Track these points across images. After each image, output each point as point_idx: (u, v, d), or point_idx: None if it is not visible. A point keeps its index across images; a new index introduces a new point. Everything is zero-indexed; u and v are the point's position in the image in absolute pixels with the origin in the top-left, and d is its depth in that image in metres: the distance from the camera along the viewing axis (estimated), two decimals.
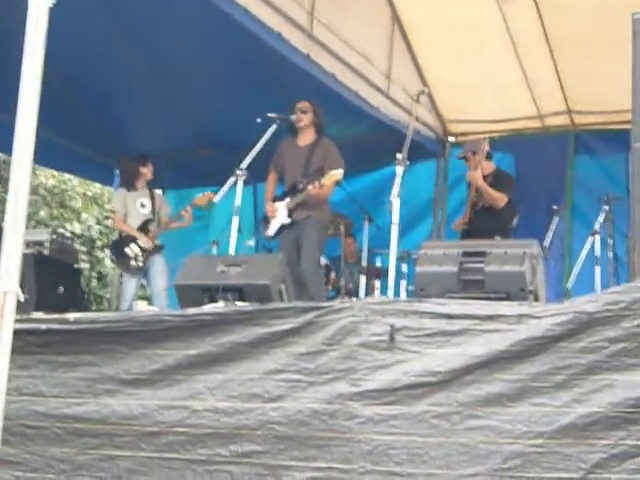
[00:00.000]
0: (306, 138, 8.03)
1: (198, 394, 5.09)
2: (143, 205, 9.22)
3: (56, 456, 5.31)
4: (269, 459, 4.87)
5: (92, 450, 5.25)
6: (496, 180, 8.43)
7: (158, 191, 9.77)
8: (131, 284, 9.12)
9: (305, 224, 7.75)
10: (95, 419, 5.26)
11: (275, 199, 8.02)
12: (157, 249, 9.10)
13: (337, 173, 7.59)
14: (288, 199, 7.85)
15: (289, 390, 4.92)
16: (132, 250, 9.00)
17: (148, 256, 9.04)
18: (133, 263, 9.01)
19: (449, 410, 4.59)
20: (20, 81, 4.48)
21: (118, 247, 9.19)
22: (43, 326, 5.45)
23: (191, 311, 5.40)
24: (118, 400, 5.25)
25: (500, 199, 8.31)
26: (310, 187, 7.62)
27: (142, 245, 8.99)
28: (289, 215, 7.83)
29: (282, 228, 7.87)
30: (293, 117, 7.93)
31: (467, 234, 8.28)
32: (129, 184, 9.39)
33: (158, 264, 9.08)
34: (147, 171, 9.35)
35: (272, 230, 7.91)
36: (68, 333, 5.41)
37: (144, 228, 9.13)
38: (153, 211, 9.24)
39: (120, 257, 9.15)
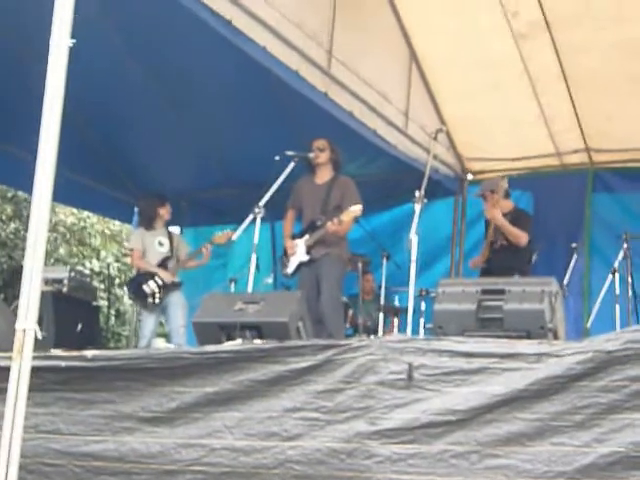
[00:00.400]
0: (324, 175, 8.05)
1: (216, 432, 5.06)
2: (161, 244, 9.26)
3: None
4: None
5: None
6: (515, 219, 8.39)
7: (176, 231, 9.80)
8: (149, 321, 9.11)
9: (324, 261, 7.75)
10: (113, 457, 5.23)
11: (294, 237, 8.03)
12: (175, 286, 9.10)
13: (356, 209, 7.59)
14: (307, 236, 7.85)
15: (307, 429, 4.88)
16: (149, 287, 9.00)
17: (166, 293, 9.04)
18: (150, 300, 9.01)
19: (468, 449, 4.54)
20: (41, 120, 4.52)
21: (135, 284, 9.18)
22: (62, 363, 5.45)
23: (209, 348, 5.38)
24: (136, 438, 5.22)
25: (522, 237, 8.24)
26: (329, 224, 7.63)
27: (159, 282, 8.99)
28: (307, 252, 7.83)
29: (300, 265, 7.87)
30: (311, 155, 7.95)
31: (486, 272, 8.24)
32: (147, 224, 9.43)
33: (177, 301, 9.08)
34: (165, 212, 9.40)
35: (291, 268, 7.91)
36: (86, 370, 5.40)
37: (163, 265, 9.14)
38: (171, 249, 9.26)
39: (137, 294, 9.13)
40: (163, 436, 5.16)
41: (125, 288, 9.18)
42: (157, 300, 9.01)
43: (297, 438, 4.87)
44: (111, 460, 5.23)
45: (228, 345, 5.49)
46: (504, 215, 8.38)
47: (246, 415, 5.03)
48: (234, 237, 7.86)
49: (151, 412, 5.24)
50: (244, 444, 4.97)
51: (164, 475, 5.10)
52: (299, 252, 7.86)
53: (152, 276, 9.02)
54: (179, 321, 8.99)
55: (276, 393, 5.01)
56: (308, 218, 7.99)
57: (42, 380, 5.14)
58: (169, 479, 5.09)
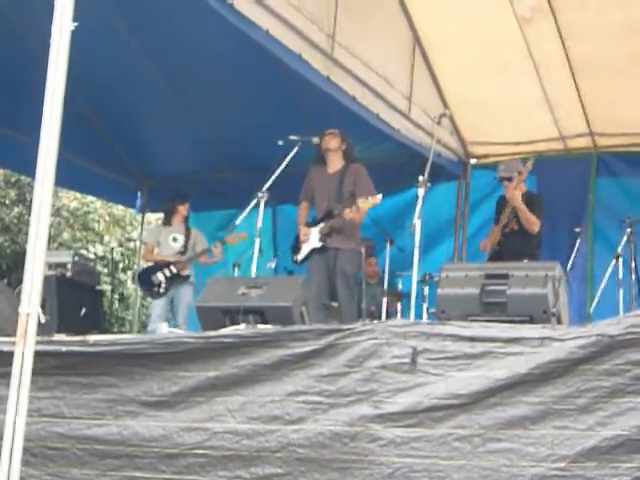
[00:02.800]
0: (335, 164, 8.02)
1: (218, 416, 5.08)
2: (175, 239, 9.54)
3: (77, 477, 5.30)
4: None
5: (113, 472, 5.24)
6: (529, 203, 8.29)
7: (196, 230, 9.93)
8: (155, 305, 9.35)
9: (340, 255, 7.71)
10: (116, 440, 5.25)
11: (307, 225, 8.00)
12: (183, 279, 9.25)
13: (376, 198, 7.57)
14: (322, 224, 7.82)
15: (310, 412, 4.89)
16: (157, 277, 9.35)
17: (173, 284, 9.35)
18: (156, 289, 9.35)
19: (471, 433, 4.55)
20: (43, 104, 4.51)
21: (144, 276, 9.43)
22: (64, 348, 5.46)
23: (212, 333, 5.40)
24: (139, 422, 5.24)
25: (536, 224, 8.16)
26: (347, 211, 7.60)
27: (167, 273, 9.26)
28: (321, 239, 7.80)
29: (312, 252, 7.85)
30: (315, 139, 7.92)
31: (497, 256, 8.18)
32: (165, 219, 9.87)
33: (182, 298, 9.38)
34: (184, 209, 9.79)
35: (302, 254, 7.89)
36: (89, 355, 5.41)
37: (177, 258, 9.45)
38: (185, 246, 9.41)
39: (145, 284, 9.49)
40: (166, 420, 5.18)
41: (130, 273, 9.43)
42: (162, 290, 9.33)
43: (300, 422, 4.89)
44: (114, 444, 5.25)
45: (230, 330, 5.50)
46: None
47: (249, 399, 5.05)
48: (237, 222, 7.86)
49: (154, 396, 5.26)
50: (247, 427, 4.99)
51: (166, 458, 5.13)
52: (312, 239, 7.85)
53: (161, 267, 9.21)
54: (179, 320, 9.33)
55: (279, 377, 5.02)
56: (322, 208, 7.96)
57: (45, 364, 5.15)
58: (171, 462, 5.11)
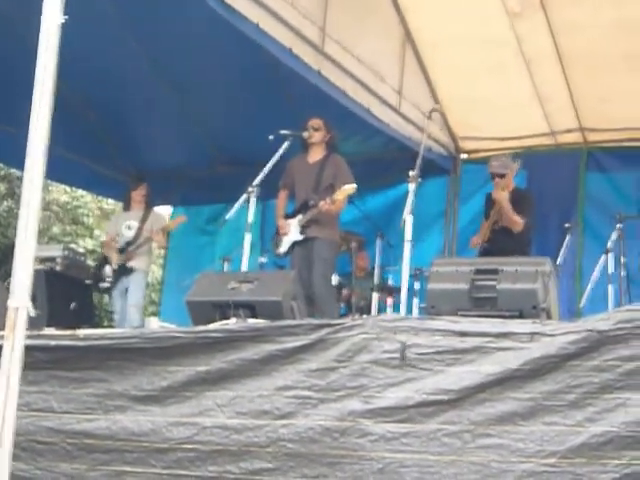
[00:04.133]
0: (316, 155, 8.04)
1: (207, 411, 5.07)
2: (129, 227, 9.49)
3: (66, 472, 5.30)
4: (279, 476, 4.84)
5: (102, 466, 5.24)
6: (516, 200, 8.30)
7: (157, 213, 9.90)
8: (115, 301, 9.48)
9: (316, 243, 7.74)
10: (105, 435, 5.25)
11: (286, 217, 8.01)
12: (129, 271, 9.25)
13: (350, 187, 7.58)
14: (300, 216, 7.84)
15: (299, 407, 4.88)
16: (105, 271, 9.38)
17: (123, 276, 9.32)
18: (101, 284, 9.35)
19: (461, 428, 4.55)
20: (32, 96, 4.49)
21: (96, 269, 9.57)
22: (52, 342, 5.45)
23: (202, 328, 5.39)
24: (128, 416, 5.23)
25: (518, 224, 8.19)
26: (322, 203, 7.61)
27: (114, 266, 9.32)
28: (301, 232, 7.81)
29: (294, 245, 7.86)
30: (305, 134, 7.93)
31: (486, 252, 8.21)
32: (125, 205, 9.90)
33: (133, 282, 9.36)
34: (137, 194, 9.68)
35: (284, 247, 7.90)
36: (78, 349, 5.41)
37: (123, 250, 9.35)
38: (138, 234, 9.34)
39: (95, 277, 9.45)
40: (155, 414, 5.18)
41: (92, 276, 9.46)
42: (107, 284, 9.34)
43: (289, 416, 4.88)
44: (103, 438, 5.25)
45: (220, 324, 5.50)
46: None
47: (238, 394, 5.04)
48: (228, 216, 7.84)
49: (143, 391, 5.25)
50: (236, 422, 4.98)
51: (155, 453, 5.12)
52: (292, 232, 7.86)
53: (108, 261, 9.30)
54: (130, 300, 9.30)
55: (268, 372, 5.02)
56: (301, 197, 7.98)
57: (34, 359, 5.13)
58: (160, 457, 5.11)
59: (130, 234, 9.46)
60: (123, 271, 9.32)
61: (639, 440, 4.24)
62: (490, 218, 8.36)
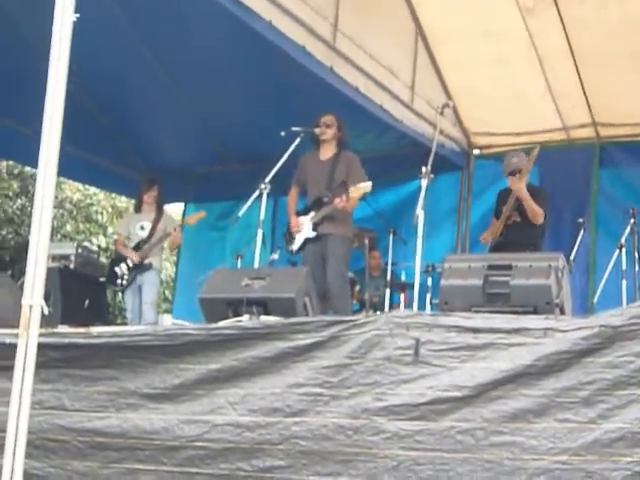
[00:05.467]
0: (328, 152, 8.01)
1: (219, 408, 5.07)
2: (142, 227, 9.51)
3: (79, 470, 5.30)
4: (292, 474, 4.83)
5: (114, 464, 5.24)
6: (532, 195, 8.26)
7: (169, 215, 9.94)
8: (129, 300, 9.44)
9: (330, 240, 7.73)
10: (117, 433, 5.25)
11: (298, 213, 8.00)
12: (145, 267, 9.26)
13: (365, 185, 7.56)
14: (313, 213, 7.82)
15: (312, 404, 4.87)
16: (120, 269, 9.32)
17: (137, 273, 9.31)
18: (119, 281, 9.33)
19: (474, 426, 4.54)
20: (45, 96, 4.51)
21: (110, 268, 9.53)
22: (65, 340, 5.46)
23: (213, 325, 5.40)
24: (139, 414, 5.24)
25: (540, 214, 8.13)
26: (337, 200, 7.60)
27: (129, 263, 9.24)
28: (314, 229, 7.80)
29: (306, 242, 7.85)
30: (317, 130, 7.91)
31: (500, 247, 8.17)
32: (136, 206, 9.89)
33: (148, 280, 9.34)
34: (148, 197, 9.65)
35: (297, 245, 7.89)
36: (91, 347, 5.41)
37: (137, 248, 9.32)
38: (151, 233, 9.39)
39: (110, 276, 9.42)
40: (166, 412, 5.18)
41: (107, 275, 9.47)
42: (125, 281, 9.31)
43: (302, 414, 4.87)
44: (114, 436, 5.25)
45: (233, 321, 5.50)
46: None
47: (249, 391, 5.03)
48: (240, 213, 7.85)
49: (155, 389, 5.25)
50: (247, 420, 4.98)
51: (167, 451, 5.12)
52: (305, 229, 7.84)
53: (124, 259, 9.26)
54: (145, 298, 9.28)
55: (280, 369, 5.01)
56: (313, 194, 7.96)
57: (47, 357, 5.15)
58: (172, 455, 5.11)
59: (144, 234, 9.46)
60: (138, 268, 9.32)
61: None
62: (503, 214, 8.31)
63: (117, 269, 9.36)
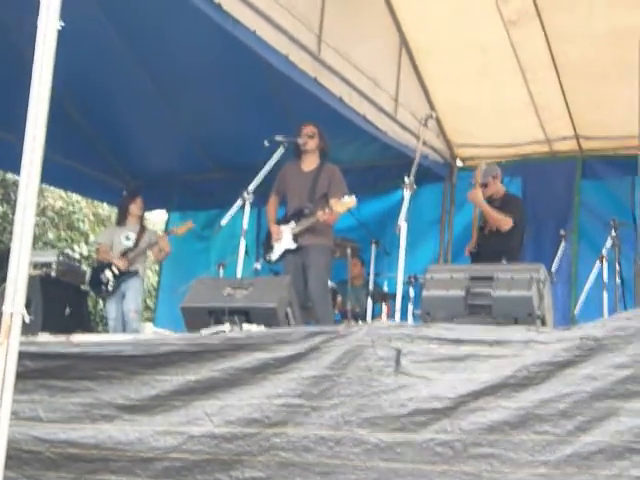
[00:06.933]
0: (310, 163, 8.01)
1: (196, 419, 5.03)
2: (128, 238, 9.55)
3: None
4: None
5: (88, 475, 5.20)
6: (505, 203, 8.38)
7: (152, 229, 9.95)
8: (111, 308, 9.44)
9: (311, 250, 7.73)
10: (90, 444, 5.21)
11: (278, 222, 7.99)
12: (131, 274, 9.24)
13: (350, 200, 7.56)
14: (293, 224, 7.82)
15: (292, 415, 4.86)
16: (105, 276, 9.32)
17: (123, 280, 9.31)
18: (104, 288, 9.33)
19: (453, 438, 4.54)
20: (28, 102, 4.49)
21: (94, 275, 9.48)
22: (45, 349, 5.42)
23: (194, 335, 5.38)
24: (114, 425, 5.20)
25: (504, 221, 8.24)
26: (320, 213, 7.60)
27: (115, 270, 9.28)
28: (294, 240, 7.80)
29: (286, 252, 7.84)
30: (300, 140, 7.92)
31: (476, 257, 8.24)
32: (119, 219, 9.84)
33: (132, 288, 9.35)
34: (135, 207, 9.69)
35: (276, 254, 7.88)
36: (69, 357, 5.38)
37: (123, 256, 9.40)
38: (137, 243, 9.40)
39: (94, 283, 9.41)
40: (142, 424, 5.14)
41: (87, 282, 9.43)
42: (110, 287, 9.30)
43: (282, 425, 4.86)
44: (88, 447, 5.21)
45: (212, 331, 5.47)
46: (494, 200, 8.39)
47: (227, 403, 5.00)
48: (223, 222, 7.84)
49: (130, 400, 5.21)
50: (225, 431, 4.94)
51: (142, 462, 5.08)
52: (285, 239, 7.83)
53: (109, 265, 9.26)
54: (130, 305, 9.30)
55: (259, 381, 4.99)
56: (294, 205, 7.95)
57: (24, 368, 5.09)
58: (147, 466, 5.07)
59: (129, 243, 9.48)
60: (124, 275, 9.31)
61: (630, 449, 4.22)
62: (474, 224, 8.40)
63: (102, 276, 9.33)
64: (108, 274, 9.31)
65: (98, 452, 5.19)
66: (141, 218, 9.77)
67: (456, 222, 10.62)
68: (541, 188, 10.08)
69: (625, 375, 4.34)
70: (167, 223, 12.05)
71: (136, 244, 9.44)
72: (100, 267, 9.48)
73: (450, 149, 10.77)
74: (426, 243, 10.59)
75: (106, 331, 10.26)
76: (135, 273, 9.36)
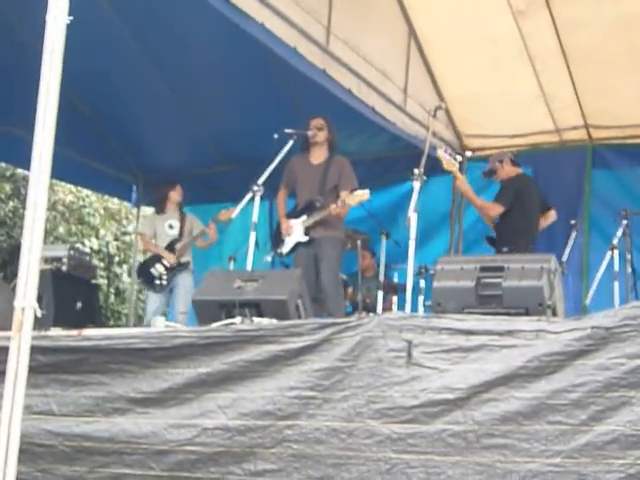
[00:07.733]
0: (319, 155, 8.02)
1: (209, 412, 5.05)
2: (171, 226, 9.47)
3: (67, 474, 5.28)
4: (284, 477, 4.81)
5: (102, 468, 5.22)
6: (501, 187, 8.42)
7: (191, 215, 9.91)
8: (152, 300, 9.38)
9: (323, 243, 7.74)
10: (104, 438, 5.22)
11: (288, 216, 8.00)
12: (182, 267, 9.24)
13: (363, 193, 7.57)
14: (304, 217, 7.82)
15: (304, 408, 4.87)
16: (157, 270, 9.30)
17: (173, 274, 9.29)
18: (157, 282, 9.27)
19: (465, 428, 4.54)
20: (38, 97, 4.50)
21: (143, 268, 9.42)
22: (57, 343, 5.43)
23: (204, 328, 5.38)
24: (128, 419, 5.21)
25: (490, 209, 8.23)
26: (333, 206, 7.61)
27: (166, 264, 9.13)
28: (306, 233, 7.80)
29: (297, 245, 7.85)
30: (309, 133, 7.92)
31: (493, 245, 8.28)
32: (159, 208, 9.76)
33: (181, 285, 9.32)
34: (175, 194, 9.69)
35: (287, 248, 7.88)
36: (81, 351, 5.39)
37: (170, 248, 9.28)
38: (182, 232, 9.36)
39: (146, 278, 9.40)
40: (155, 417, 5.15)
41: (125, 266, 9.39)
42: (164, 282, 9.27)
43: (294, 417, 4.86)
44: (102, 441, 5.22)
45: (223, 324, 5.48)
46: (502, 181, 8.41)
47: (241, 395, 5.01)
48: (233, 215, 7.86)
49: (143, 393, 5.22)
50: (238, 424, 4.96)
51: (155, 455, 5.10)
52: (296, 232, 7.84)
53: (159, 259, 9.18)
54: (179, 307, 9.20)
55: (271, 373, 5.00)
56: (304, 198, 7.96)
57: (36, 362, 5.11)
58: (160, 459, 5.09)
59: (174, 232, 9.49)
60: (176, 268, 9.31)
61: None
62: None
63: (153, 270, 9.32)
64: (160, 268, 9.29)
65: (112, 445, 5.20)
66: (180, 205, 9.75)
67: (468, 213, 10.58)
68: (551, 178, 10.05)
69: (637, 364, 4.33)
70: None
71: (181, 233, 9.43)
72: (150, 261, 9.46)
73: (459, 140, 10.75)
74: (438, 235, 10.59)
75: (118, 325, 10.28)
76: (186, 266, 9.36)
